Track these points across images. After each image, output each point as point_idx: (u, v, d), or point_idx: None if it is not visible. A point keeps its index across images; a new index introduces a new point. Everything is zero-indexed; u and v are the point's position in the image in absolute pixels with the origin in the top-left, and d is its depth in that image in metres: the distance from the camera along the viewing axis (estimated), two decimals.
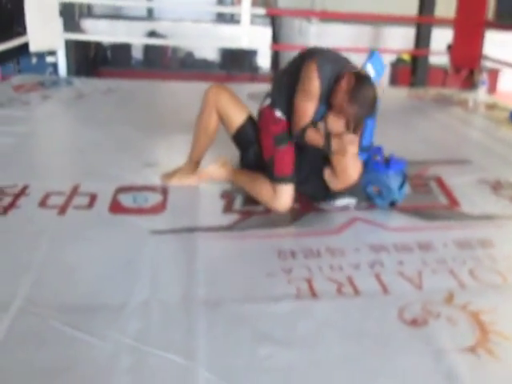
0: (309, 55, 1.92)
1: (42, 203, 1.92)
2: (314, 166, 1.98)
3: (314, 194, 2.05)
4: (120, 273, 1.53)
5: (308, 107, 1.88)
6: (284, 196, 1.93)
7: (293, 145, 1.97)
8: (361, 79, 1.79)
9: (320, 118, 1.91)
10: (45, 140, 2.69)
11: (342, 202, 2.02)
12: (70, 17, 4.37)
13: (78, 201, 1.95)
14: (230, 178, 2.11)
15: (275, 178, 1.94)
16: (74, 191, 2.02)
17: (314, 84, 1.84)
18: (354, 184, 1.90)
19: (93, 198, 1.97)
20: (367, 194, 2.00)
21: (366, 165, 1.97)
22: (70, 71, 4.36)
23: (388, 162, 1.96)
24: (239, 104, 2.06)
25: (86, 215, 1.86)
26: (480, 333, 1.33)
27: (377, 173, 1.95)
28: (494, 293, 1.53)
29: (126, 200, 1.98)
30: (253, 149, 2.05)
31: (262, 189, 1.97)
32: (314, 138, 1.88)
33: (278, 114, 1.99)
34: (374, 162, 1.98)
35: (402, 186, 1.98)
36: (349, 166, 1.86)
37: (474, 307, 1.43)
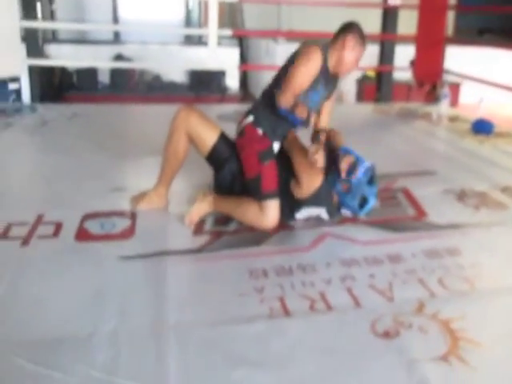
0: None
1: (4, 234, 1.86)
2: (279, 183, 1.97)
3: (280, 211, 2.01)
4: (87, 303, 1.48)
5: (305, 78, 1.88)
6: (272, 212, 1.91)
7: (275, 161, 1.97)
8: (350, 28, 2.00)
9: (314, 104, 1.98)
10: (7, 169, 2.61)
11: (308, 211, 2.00)
12: (34, 42, 4.30)
13: (42, 230, 1.89)
14: (215, 208, 2.02)
15: (262, 195, 1.91)
16: (38, 220, 1.96)
17: (315, 61, 1.88)
18: (316, 191, 1.92)
19: (58, 227, 1.92)
20: (336, 192, 2.00)
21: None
22: (34, 97, 4.28)
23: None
24: (210, 123, 2.05)
25: (51, 245, 1.81)
26: (451, 341, 1.34)
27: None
28: (463, 300, 1.55)
29: (93, 227, 1.93)
30: (228, 166, 2.03)
31: (247, 209, 1.94)
32: (303, 113, 1.83)
33: (260, 132, 1.98)
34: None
35: (371, 182, 1.98)
36: (311, 172, 1.91)
37: (443, 315, 1.45)
